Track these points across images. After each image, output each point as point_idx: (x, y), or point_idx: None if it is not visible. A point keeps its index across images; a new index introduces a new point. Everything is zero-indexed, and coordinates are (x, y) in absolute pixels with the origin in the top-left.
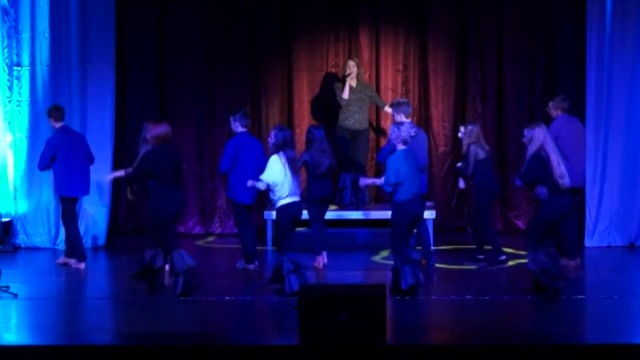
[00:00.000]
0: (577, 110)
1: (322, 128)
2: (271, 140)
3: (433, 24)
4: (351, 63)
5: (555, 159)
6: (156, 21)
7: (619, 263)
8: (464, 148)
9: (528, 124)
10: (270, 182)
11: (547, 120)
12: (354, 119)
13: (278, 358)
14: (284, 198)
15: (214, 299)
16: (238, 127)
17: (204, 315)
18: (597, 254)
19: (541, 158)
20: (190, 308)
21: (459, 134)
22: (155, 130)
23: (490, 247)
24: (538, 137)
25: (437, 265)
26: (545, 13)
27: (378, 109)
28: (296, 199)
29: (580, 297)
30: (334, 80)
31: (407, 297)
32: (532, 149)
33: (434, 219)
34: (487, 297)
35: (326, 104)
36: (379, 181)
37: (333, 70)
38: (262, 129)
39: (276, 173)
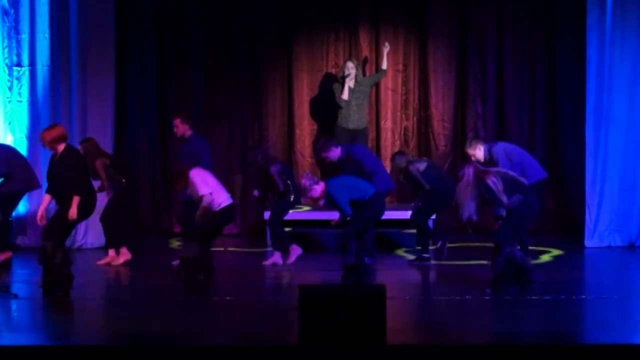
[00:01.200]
0: (577, 110)
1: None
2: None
3: (433, 24)
4: (350, 64)
5: (503, 175)
6: (156, 21)
7: (619, 263)
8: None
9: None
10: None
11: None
12: (352, 119)
13: (278, 358)
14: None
15: (213, 298)
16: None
17: (202, 314)
18: (597, 255)
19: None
20: (188, 308)
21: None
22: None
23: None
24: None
25: (439, 263)
26: (545, 13)
27: (378, 109)
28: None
29: (580, 297)
30: (334, 81)
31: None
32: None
33: (433, 219)
34: (487, 297)
35: (326, 104)
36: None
37: (333, 70)
38: (262, 129)
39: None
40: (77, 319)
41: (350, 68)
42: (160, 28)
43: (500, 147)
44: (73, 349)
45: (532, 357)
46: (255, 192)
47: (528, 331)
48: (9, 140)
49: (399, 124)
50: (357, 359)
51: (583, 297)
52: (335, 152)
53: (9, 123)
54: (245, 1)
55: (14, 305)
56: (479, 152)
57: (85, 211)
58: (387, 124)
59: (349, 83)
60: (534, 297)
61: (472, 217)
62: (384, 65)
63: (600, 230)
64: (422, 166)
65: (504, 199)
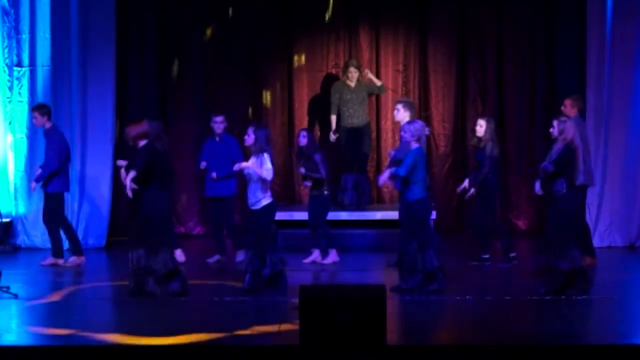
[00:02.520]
0: None
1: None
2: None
3: (433, 25)
4: (352, 69)
5: (581, 155)
6: (156, 21)
7: (619, 263)
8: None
9: (558, 115)
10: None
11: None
12: (353, 116)
13: (278, 358)
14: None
15: (213, 298)
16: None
17: (204, 315)
18: (598, 255)
19: (572, 151)
20: (190, 308)
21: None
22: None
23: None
24: (569, 130)
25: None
26: (545, 12)
27: (378, 108)
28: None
29: (581, 297)
30: (334, 81)
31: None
32: (562, 141)
33: (434, 220)
34: (488, 297)
35: (326, 104)
36: (396, 170)
37: (333, 70)
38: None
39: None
40: (79, 319)
41: (352, 72)
42: (161, 28)
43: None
44: (74, 350)
45: (532, 357)
46: (302, 170)
47: (527, 331)
48: (9, 141)
49: (399, 124)
50: (358, 359)
51: (584, 297)
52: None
53: (9, 123)
54: (246, 1)
55: (14, 305)
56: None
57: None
58: (387, 124)
59: (349, 82)
60: (534, 298)
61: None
62: (378, 83)
63: (600, 231)
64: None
65: (579, 171)
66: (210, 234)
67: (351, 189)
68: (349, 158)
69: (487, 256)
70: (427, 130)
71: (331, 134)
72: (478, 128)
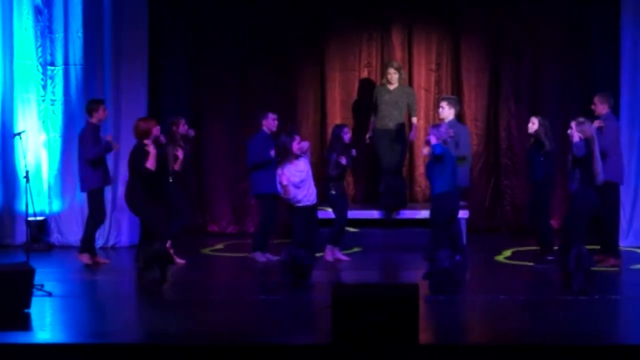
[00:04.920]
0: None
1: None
2: None
3: (466, 23)
4: (391, 70)
5: (597, 155)
6: (190, 21)
7: None
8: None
9: (577, 118)
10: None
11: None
12: (387, 118)
13: (311, 357)
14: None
15: (245, 298)
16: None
17: (236, 314)
18: (632, 254)
19: (589, 149)
20: (222, 307)
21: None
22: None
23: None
24: (588, 130)
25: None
26: (579, 11)
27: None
28: None
29: (614, 297)
30: (366, 80)
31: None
32: (578, 139)
33: (466, 219)
34: (520, 297)
35: (359, 104)
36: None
37: (365, 70)
38: (295, 128)
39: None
40: (111, 317)
41: (392, 73)
42: (194, 27)
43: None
44: (107, 347)
45: (559, 357)
46: (354, 152)
47: (559, 331)
48: (42, 140)
49: (432, 123)
50: (390, 358)
51: (617, 297)
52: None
53: (43, 122)
54: (278, 1)
55: (48, 303)
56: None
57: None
58: (420, 123)
59: (389, 85)
60: (568, 298)
61: None
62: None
63: (635, 230)
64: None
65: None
66: (259, 231)
67: (387, 191)
68: (383, 161)
69: (551, 258)
70: (451, 132)
71: (367, 137)
72: (530, 125)
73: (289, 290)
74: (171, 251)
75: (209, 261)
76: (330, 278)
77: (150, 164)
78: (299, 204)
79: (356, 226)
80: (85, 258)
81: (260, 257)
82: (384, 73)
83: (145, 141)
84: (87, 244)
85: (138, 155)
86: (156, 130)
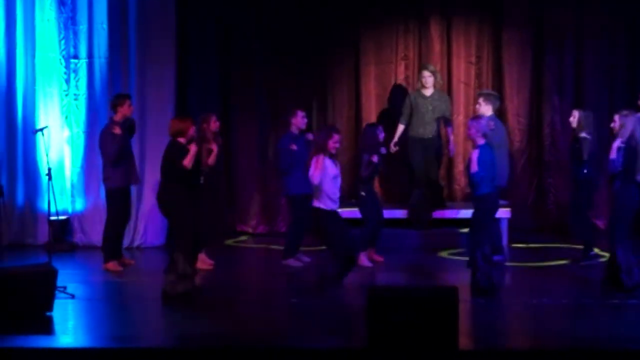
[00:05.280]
0: None
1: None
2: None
3: (508, 14)
4: (426, 73)
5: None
6: (218, 13)
7: None
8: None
9: (620, 110)
10: None
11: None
12: (421, 126)
13: None
14: None
15: (276, 300)
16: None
17: (267, 317)
18: None
19: (631, 147)
20: (252, 310)
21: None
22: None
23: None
24: (629, 125)
25: (514, 265)
26: (625, 2)
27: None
28: None
29: None
30: (402, 74)
31: (484, 298)
32: (620, 136)
33: (508, 219)
34: (564, 300)
35: (395, 99)
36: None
37: (402, 63)
38: (328, 124)
39: None
40: (137, 320)
41: (427, 76)
42: (223, 19)
43: None
44: (131, 352)
45: None
46: (384, 150)
47: (607, 336)
48: (65, 136)
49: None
50: None
51: None
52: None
53: (66, 117)
54: None
55: (70, 305)
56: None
57: None
58: (459, 118)
59: (424, 91)
60: (614, 301)
61: None
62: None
63: None
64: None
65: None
66: (292, 233)
67: (417, 206)
68: (417, 172)
69: (593, 253)
70: (492, 124)
71: (392, 144)
72: (571, 119)
73: (321, 293)
74: (201, 255)
75: (239, 262)
76: (362, 280)
77: (188, 161)
78: (327, 207)
79: (391, 226)
80: (113, 266)
81: (294, 262)
82: (418, 77)
83: (179, 139)
84: (110, 249)
85: (173, 154)
86: (192, 130)
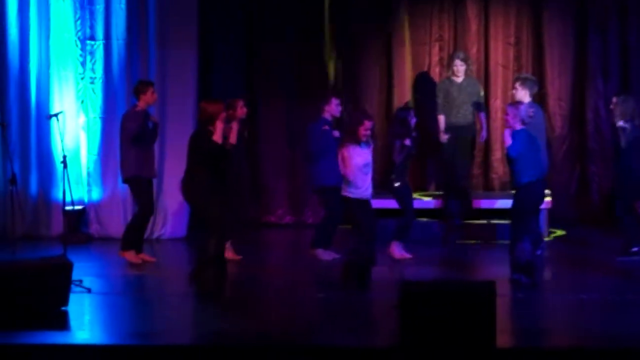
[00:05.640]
0: None
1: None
2: None
3: None
4: (458, 62)
5: None
6: None
7: None
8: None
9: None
10: None
11: None
12: (454, 115)
13: None
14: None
15: (303, 295)
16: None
17: (293, 313)
18: None
19: None
20: (279, 305)
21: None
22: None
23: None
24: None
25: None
26: None
27: (487, 86)
28: None
29: None
30: (438, 56)
31: (524, 278)
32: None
33: (549, 209)
34: (607, 296)
35: (430, 81)
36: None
37: (437, 45)
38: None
39: None
40: (156, 316)
41: (459, 65)
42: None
43: None
44: (151, 349)
45: None
46: (415, 134)
47: None
48: (81, 122)
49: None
50: None
51: None
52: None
53: (82, 102)
54: None
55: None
56: None
57: None
58: (497, 102)
59: (455, 78)
60: None
61: None
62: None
63: None
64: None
65: None
66: (323, 225)
67: (453, 205)
68: (447, 162)
69: (636, 249)
70: (531, 111)
71: (441, 134)
72: (612, 107)
73: (350, 288)
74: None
75: (263, 255)
76: (393, 275)
77: (217, 136)
78: (356, 195)
79: (422, 216)
80: (130, 256)
81: (324, 254)
82: (449, 64)
83: (210, 128)
84: (130, 239)
85: (201, 141)
86: (224, 116)
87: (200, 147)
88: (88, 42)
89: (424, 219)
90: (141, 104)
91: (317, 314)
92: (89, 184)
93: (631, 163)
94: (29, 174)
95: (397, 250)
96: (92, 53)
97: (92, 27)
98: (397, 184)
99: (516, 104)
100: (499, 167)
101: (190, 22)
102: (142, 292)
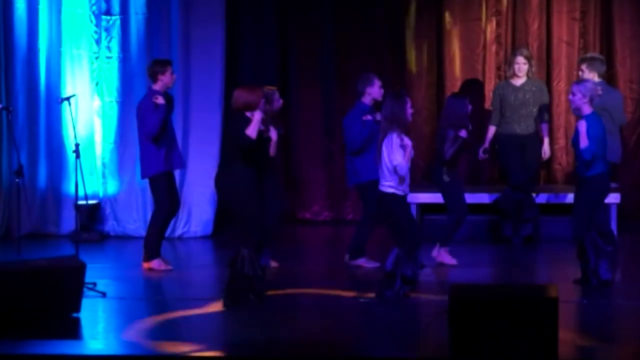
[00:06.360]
0: None
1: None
2: None
3: None
4: (520, 59)
5: None
6: None
7: None
8: None
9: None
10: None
11: None
12: (515, 122)
13: None
14: None
15: (341, 302)
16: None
17: (330, 321)
18: None
19: None
20: (314, 313)
21: None
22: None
23: None
24: None
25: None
26: None
27: (549, 67)
28: None
29: None
30: (495, 34)
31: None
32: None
33: (617, 204)
34: None
35: (484, 62)
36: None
37: (493, 20)
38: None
39: None
40: (177, 324)
41: (521, 63)
42: None
43: None
44: None
45: None
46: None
47: None
48: (96, 106)
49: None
50: None
51: None
52: None
53: (97, 84)
54: None
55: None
56: None
57: None
58: (560, 85)
59: (514, 81)
60: None
61: None
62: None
63: None
64: None
65: None
66: (363, 229)
67: (512, 215)
68: (511, 176)
69: None
70: (599, 90)
71: (480, 151)
72: None
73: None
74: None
75: (299, 257)
76: (439, 277)
77: (252, 131)
78: (399, 192)
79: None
80: (158, 264)
81: (367, 263)
82: (510, 63)
83: (247, 114)
84: (154, 245)
85: (238, 129)
86: (263, 103)
87: (237, 138)
88: (103, 17)
89: (478, 215)
90: (158, 86)
91: (357, 322)
92: (104, 176)
93: None
94: (37, 164)
95: (444, 256)
96: (108, 29)
97: (107, 1)
98: (446, 178)
99: (582, 81)
100: (562, 157)
101: None
102: (163, 297)
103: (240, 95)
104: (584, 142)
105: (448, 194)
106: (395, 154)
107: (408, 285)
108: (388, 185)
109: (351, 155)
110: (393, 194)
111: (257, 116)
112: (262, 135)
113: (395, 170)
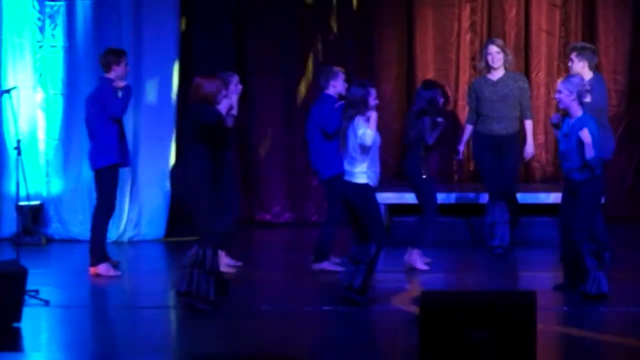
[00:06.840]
0: None
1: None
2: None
3: None
4: (493, 48)
5: None
6: None
7: None
8: None
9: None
10: None
11: None
12: (493, 121)
13: None
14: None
15: (304, 308)
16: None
17: (293, 328)
18: None
19: None
20: (276, 319)
21: None
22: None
23: None
24: None
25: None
26: None
27: (528, 56)
28: None
29: None
30: (469, 21)
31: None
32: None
33: (602, 204)
34: None
35: (457, 52)
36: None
37: (468, 6)
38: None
39: None
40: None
41: (494, 52)
42: None
43: None
44: None
45: None
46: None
47: None
48: (39, 99)
49: (556, 77)
50: None
51: None
52: None
53: (40, 76)
54: None
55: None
56: None
57: None
58: (539, 76)
59: (489, 75)
60: None
61: None
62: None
63: None
64: None
65: None
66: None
67: (501, 223)
68: (487, 179)
69: None
70: (587, 85)
71: (459, 149)
72: None
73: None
74: (222, 253)
75: (259, 260)
76: (410, 284)
77: (223, 107)
78: (372, 183)
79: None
80: (103, 269)
81: (330, 266)
82: (482, 54)
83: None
84: (100, 248)
85: (199, 118)
86: (223, 94)
87: (197, 129)
88: (48, 2)
89: (448, 217)
90: (112, 77)
91: (319, 330)
92: (48, 175)
93: None
94: None
95: (416, 260)
96: (52, 16)
97: None
98: (424, 175)
99: (569, 77)
100: (541, 155)
101: None
102: (110, 305)
103: (199, 85)
104: (590, 153)
105: (423, 193)
106: (361, 127)
107: (357, 295)
108: (360, 174)
109: (326, 142)
110: (366, 185)
111: (225, 103)
112: (224, 122)
113: (364, 148)
